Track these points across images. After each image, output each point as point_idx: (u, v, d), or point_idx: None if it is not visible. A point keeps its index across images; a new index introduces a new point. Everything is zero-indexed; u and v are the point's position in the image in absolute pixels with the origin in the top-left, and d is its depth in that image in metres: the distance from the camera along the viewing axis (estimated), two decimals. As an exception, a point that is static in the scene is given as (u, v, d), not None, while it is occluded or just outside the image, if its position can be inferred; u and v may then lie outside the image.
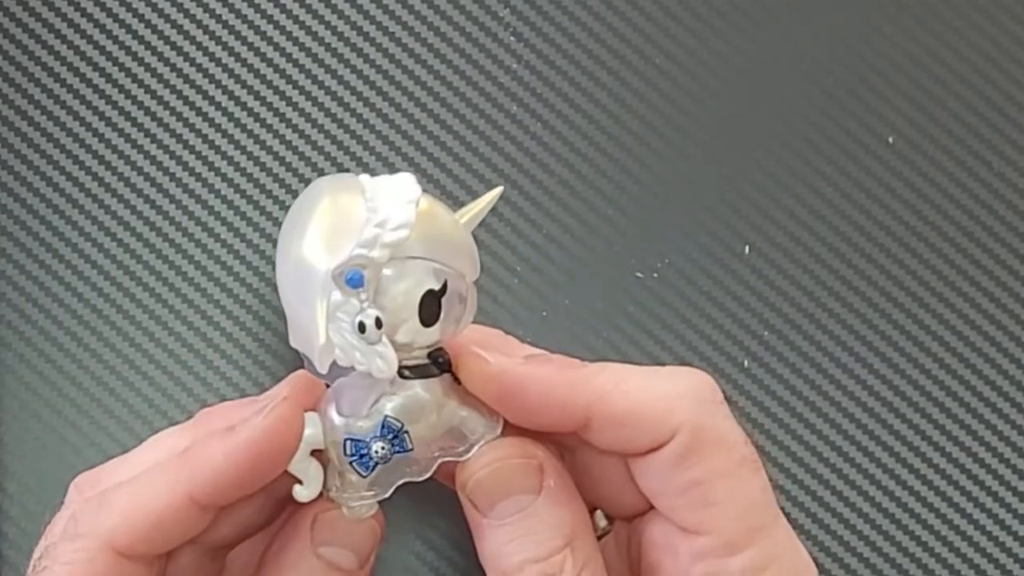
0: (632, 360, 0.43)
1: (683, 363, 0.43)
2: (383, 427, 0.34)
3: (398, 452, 0.34)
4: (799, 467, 0.43)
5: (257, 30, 0.44)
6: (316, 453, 0.34)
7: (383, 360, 0.32)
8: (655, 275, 0.43)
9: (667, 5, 0.44)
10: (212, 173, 0.43)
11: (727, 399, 0.43)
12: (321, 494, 0.34)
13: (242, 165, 0.43)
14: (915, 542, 0.43)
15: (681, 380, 0.35)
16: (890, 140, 0.44)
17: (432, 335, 0.34)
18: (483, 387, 0.34)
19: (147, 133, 0.43)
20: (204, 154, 0.43)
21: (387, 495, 0.35)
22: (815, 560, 0.42)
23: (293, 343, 0.35)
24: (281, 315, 0.43)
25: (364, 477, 0.34)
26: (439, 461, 0.35)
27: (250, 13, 0.44)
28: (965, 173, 0.44)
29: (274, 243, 0.43)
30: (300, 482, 0.34)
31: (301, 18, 0.44)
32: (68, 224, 0.43)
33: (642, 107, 0.44)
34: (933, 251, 0.44)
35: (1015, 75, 0.44)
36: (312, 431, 0.34)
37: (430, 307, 0.33)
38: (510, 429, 0.35)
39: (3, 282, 0.43)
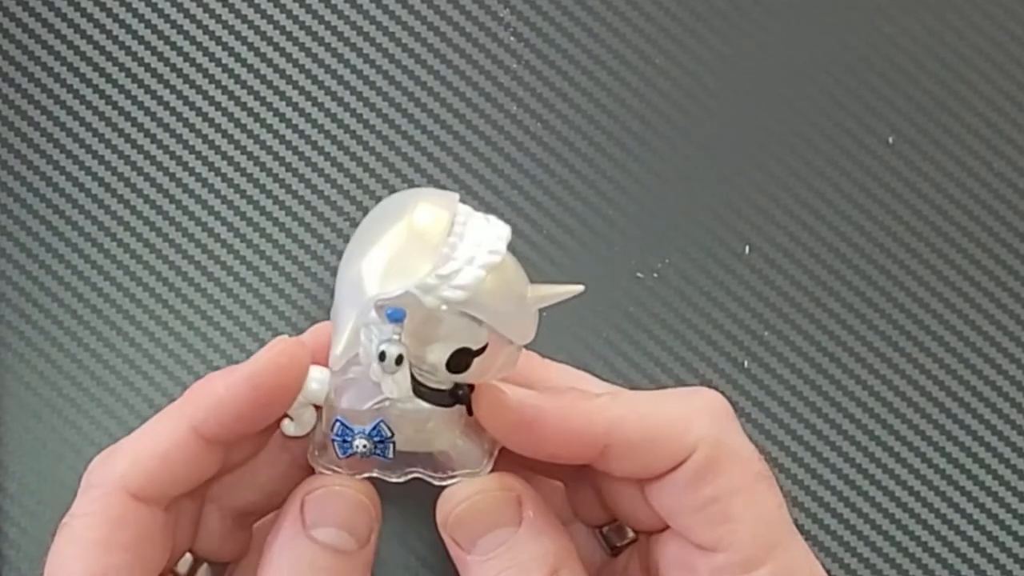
0: (632, 360, 0.43)
1: (683, 363, 0.43)
2: (374, 428, 0.33)
3: (377, 455, 0.34)
4: (799, 467, 0.43)
5: (257, 30, 0.44)
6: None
7: (396, 385, 0.32)
8: (655, 275, 0.43)
9: (667, 5, 0.44)
10: (212, 173, 0.43)
11: (727, 399, 0.43)
12: (307, 436, 0.34)
13: (242, 165, 0.43)
14: (915, 542, 0.43)
15: (694, 399, 0.35)
16: (890, 140, 0.44)
17: (458, 378, 0.33)
18: (500, 417, 0.34)
19: (147, 133, 0.43)
20: (204, 154, 0.43)
21: (355, 477, 0.34)
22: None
23: (331, 317, 0.34)
24: (281, 316, 0.43)
25: (338, 457, 0.34)
26: (414, 476, 0.34)
27: (250, 13, 0.44)
28: (965, 173, 0.44)
29: (274, 243, 0.43)
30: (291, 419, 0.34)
31: (301, 18, 0.44)
32: (68, 224, 0.43)
33: (642, 107, 0.44)
34: (933, 251, 0.44)
35: (1015, 75, 0.44)
36: (317, 387, 0.34)
37: (461, 360, 0.33)
38: (510, 466, 0.35)
39: (3, 282, 0.43)
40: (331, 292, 0.43)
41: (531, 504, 0.35)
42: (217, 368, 0.42)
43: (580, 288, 0.34)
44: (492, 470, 0.35)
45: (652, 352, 0.43)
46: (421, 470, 0.35)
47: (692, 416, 0.34)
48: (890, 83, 0.44)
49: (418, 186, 0.43)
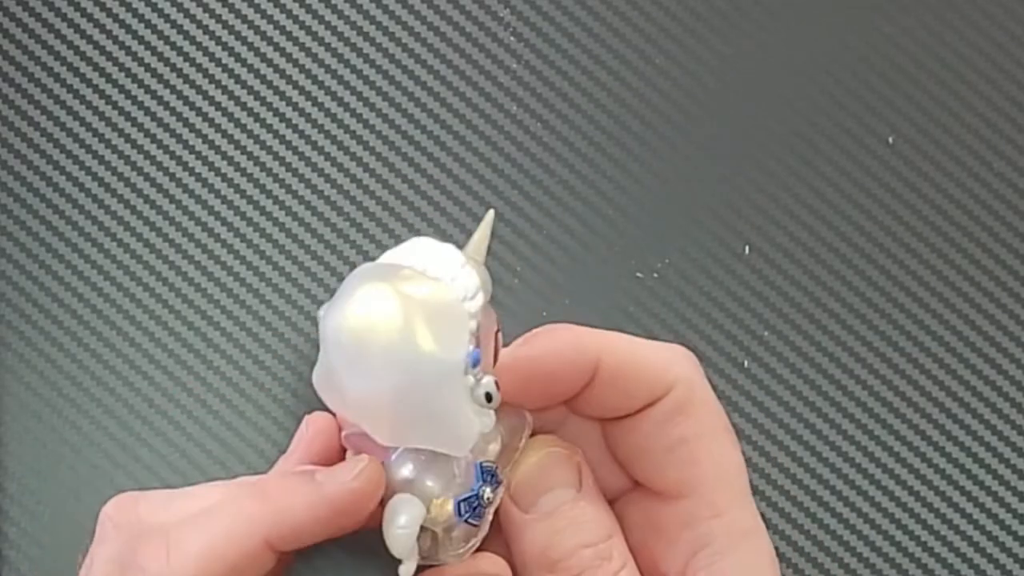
0: (632, 360, 0.43)
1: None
2: (482, 472, 0.34)
3: (496, 486, 0.34)
4: (799, 467, 0.43)
5: (257, 30, 0.44)
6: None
7: (490, 419, 0.33)
8: (655, 275, 0.43)
9: (667, 5, 0.44)
10: (212, 173, 0.43)
11: (727, 399, 0.43)
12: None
13: (242, 165, 0.43)
14: (915, 542, 0.43)
15: (674, 348, 0.36)
16: (890, 140, 0.44)
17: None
18: (505, 381, 0.34)
19: (147, 133, 0.43)
20: (204, 154, 0.43)
21: (487, 530, 0.35)
22: (814, 560, 0.42)
23: (390, 440, 0.34)
24: (281, 316, 0.43)
25: (477, 527, 0.34)
26: (507, 471, 0.35)
27: (250, 13, 0.44)
28: (965, 173, 0.44)
29: (274, 243, 0.43)
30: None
31: (301, 18, 0.44)
32: (68, 224, 0.43)
33: (642, 107, 0.44)
34: (933, 251, 0.44)
35: (1015, 75, 0.44)
36: (417, 513, 0.33)
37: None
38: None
39: (3, 282, 0.43)
40: (330, 293, 0.43)
41: (588, 474, 0.35)
42: (216, 368, 0.42)
43: (491, 212, 0.36)
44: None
45: (652, 352, 0.43)
46: (506, 464, 0.35)
47: (671, 358, 0.35)
48: (890, 83, 0.44)
49: (418, 187, 0.43)
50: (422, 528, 0.34)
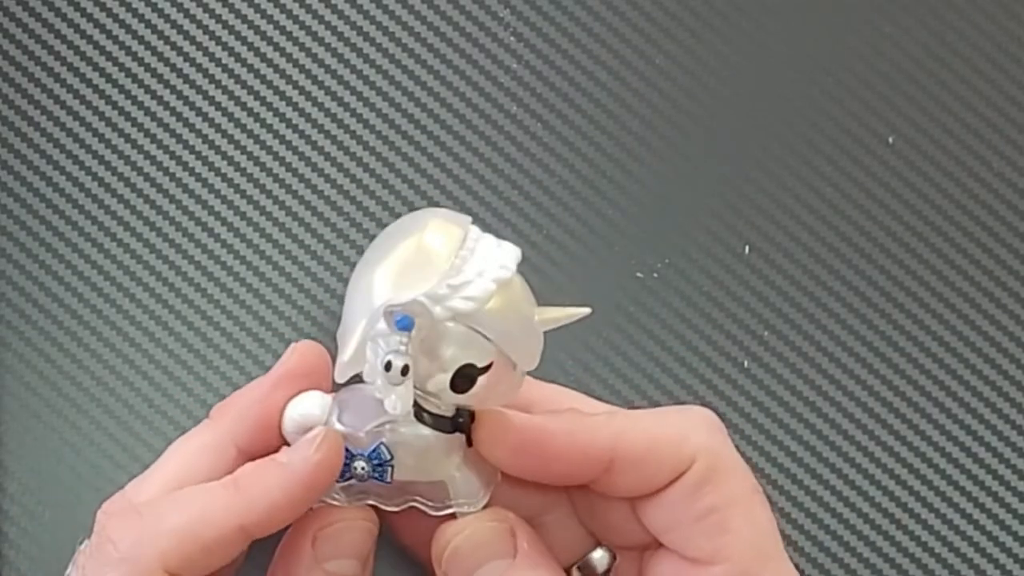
0: (632, 360, 0.43)
1: (683, 363, 0.43)
2: (374, 451, 0.34)
3: (375, 479, 0.34)
4: (799, 467, 0.43)
5: (257, 30, 0.44)
6: None
7: (399, 400, 0.32)
8: (655, 275, 0.43)
9: (667, 5, 0.44)
10: (212, 173, 0.43)
11: (727, 399, 0.43)
12: None
13: (242, 165, 0.43)
14: (915, 542, 0.43)
15: (690, 414, 0.35)
16: (890, 140, 0.44)
17: (461, 399, 0.33)
18: (504, 439, 0.34)
19: (147, 133, 0.43)
20: (204, 154, 0.43)
21: (346, 504, 0.35)
22: (814, 560, 0.42)
23: (337, 335, 0.34)
24: (281, 316, 0.43)
25: (337, 482, 0.34)
26: (410, 504, 0.35)
27: (250, 13, 0.44)
28: (965, 173, 0.44)
29: (274, 243, 0.43)
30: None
31: (301, 18, 0.44)
32: (68, 224, 0.43)
33: (642, 107, 0.44)
34: (933, 251, 0.44)
35: (1015, 75, 0.44)
36: (319, 413, 0.34)
37: (465, 379, 0.33)
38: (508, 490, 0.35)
39: (3, 282, 0.43)
40: (331, 292, 0.43)
41: (525, 536, 0.35)
42: (216, 368, 0.42)
43: (587, 311, 0.35)
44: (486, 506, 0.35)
45: (652, 352, 0.43)
46: (419, 499, 0.35)
47: (690, 429, 0.34)
48: (890, 83, 0.44)
49: (418, 186, 0.43)
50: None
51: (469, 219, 0.33)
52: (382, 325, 0.32)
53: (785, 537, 0.42)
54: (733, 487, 0.34)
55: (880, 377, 0.43)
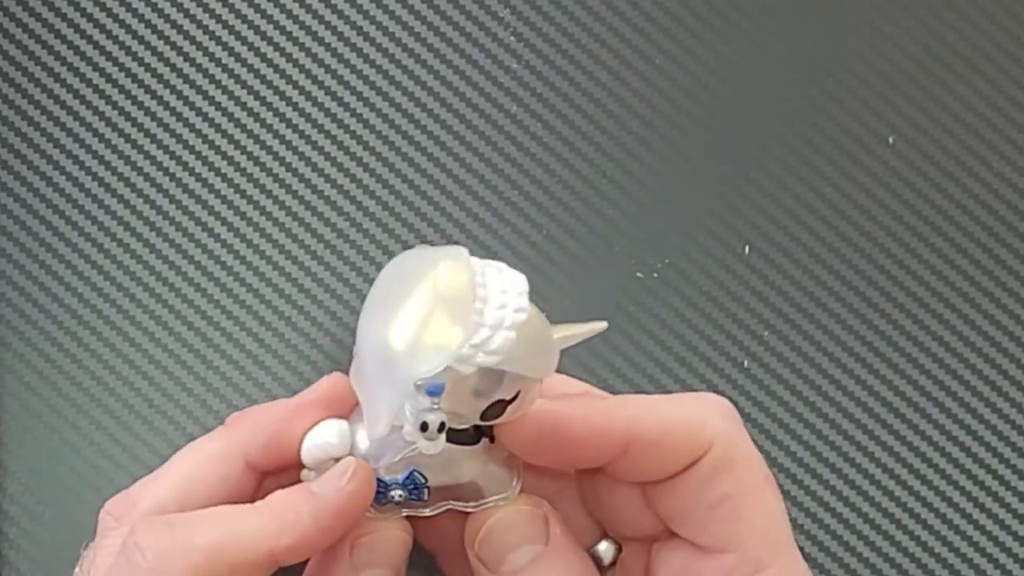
0: (632, 360, 0.43)
1: (683, 363, 0.43)
2: (408, 478, 0.34)
3: (413, 499, 0.34)
4: (799, 467, 0.43)
5: (257, 30, 0.44)
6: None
7: (433, 445, 0.32)
8: (655, 275, 0.43)
9: (667, 5, 0.44)
10: (212, 173, 0.43)
11: (727, 399, 0.43)
12: None
13: (242, 166, 0.43)
14: (915, 542, 0.43)
15: (706, 400, 0.35)
16: (890, 140, 0.44)
17: (491, 423, 0.34)
18: (523, 429, 0.34)
19: (147, 133, 0.43)
20: (204, 154, 0.43)
21: (381, 516, 0.35)
22: (814, 560, 0.42)
23: (352, 379, 0.34)
24: (281, 316, 0.43)
25: (374, 510, 0.35)
26: (447, 507, 0.35)
27: (250, 13, 0.44)
28: (965, 173, 0.44)
29: (274, 243, 0.43)
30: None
31: (301, 18, 0.44)
32: (68, 224, 0.43)
33: (642, 107, 0.44)
34: (933, 251, 0.44)
35: (1015, 75, 0.44)
36: (339, 442, 0.34)
37: (495, 411, 0.33)
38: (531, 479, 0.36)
39: (3, 282, 0.43)
40: (331, 292, 0.43)
41: (556, 522, 0.35)
42: (215, 369, 0.42)
43: (604, 325, 0.35)
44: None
45: (652, 352, 0.43)
46: (453, 502, 0.35)
47: (706, 415, 0.34)
48: (890, 83, 0.44)
49: (418, 186, 0.43)
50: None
51: (466, 251, 0.33)
52: (411, 389, 0.32)
53: (785, 537, 0.42)
54: (748, 475, 0.34)
55: (880, 377, 0.43)
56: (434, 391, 0.32)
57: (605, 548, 0.37)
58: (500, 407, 0.33)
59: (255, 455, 0.35)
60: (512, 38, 0.44)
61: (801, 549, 0.42)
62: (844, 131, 0.44)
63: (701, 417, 0.34)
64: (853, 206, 0.44)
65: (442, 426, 0.32)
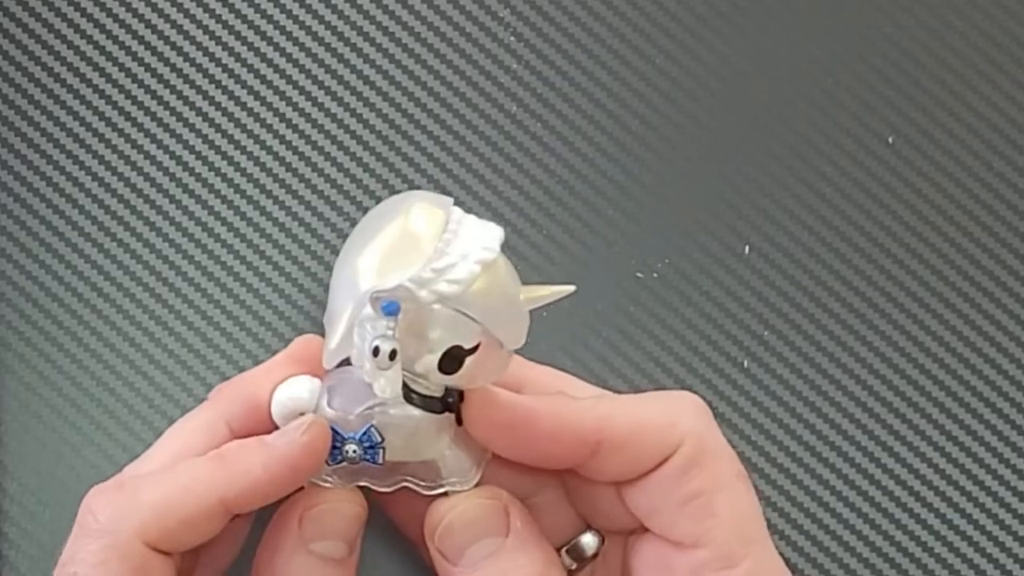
0: (632, 360, 0.43)
1: (683, 363, 0.43)
2: (365, 434, 0.34)
3: (367, 460, 0.34)
4: (799, 467, 0.43)
5: (257, 30, 0.44)
6: None
7: (388, 383, 0.32)
8: (655, 275, 0.43)
9: (667, 5, 0.44)
10: (212, 173, 0.43)
11: (727, 399, 0.43)
12: None
13: (242, 165, 0.43)
14: (915, 542, 0.43)
15: (677, 398, 0.36)
16: (890, 140, 0.44)
17: (450, 380, 0.33)
18: (492, 418, 0.34)
19: (147, 133, 0.43)
20: (204, 154, 0.43)
21: (338, 486, 0.35)
22: (814, 560, 0.42)
23: (324, 321, 0.35)
24: (281, 315, 0.43)
25: (327, 465, 0.34)
26: (403, 485, 0.35)
27: (250, 13, 0.44)
28: (965, 173, 0.44)
29: (274, 243, 0.43)
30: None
31: (301, 18, 0.44)
32: (68, 224, 0.43)
33: (642, 107, 0.44)
34: (933, 251, 0.44)
35: (1015, 75, 0.44)
36: (308, 397, 0.34)
37: (453, 360, 0.33)
38: (496, 472, 0.36)
39: (3, 282, 0.43)
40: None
41: (518, 515, 0.35)
42: (215, 368, 0.42)
43: (571, 288, 0.35)
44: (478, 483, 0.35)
45: (652, 352, 0.43)
46: (410, 479, 0.35)
47: (677, 413, 0.35)
48: (890, 83, 0.44)
49: (418, 187, 0.43)
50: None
51: (451, 200, 0.34)
52: (368, 311, 0.32)
53: (783, 535, 0.42)
54: (719, 471, 0.34)
55: (880, 377, 0.43)
56: (389, 308, 0.31)
57: (588, 540, 0.37)
58: (458, 357, 0.33)
59: (236, 422, 0.35)
60: (512, 38, 0.44)
61: (800, 549, 0.42)
62: (844, 131, 0.44)
63: (671, 415, 0.34)
64: (853, 206, 0.44)
65: (393, 353, 0.31)
